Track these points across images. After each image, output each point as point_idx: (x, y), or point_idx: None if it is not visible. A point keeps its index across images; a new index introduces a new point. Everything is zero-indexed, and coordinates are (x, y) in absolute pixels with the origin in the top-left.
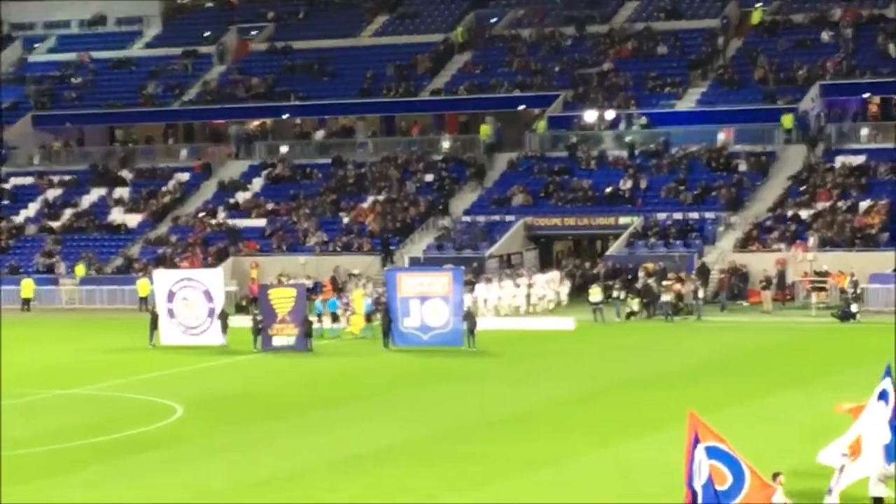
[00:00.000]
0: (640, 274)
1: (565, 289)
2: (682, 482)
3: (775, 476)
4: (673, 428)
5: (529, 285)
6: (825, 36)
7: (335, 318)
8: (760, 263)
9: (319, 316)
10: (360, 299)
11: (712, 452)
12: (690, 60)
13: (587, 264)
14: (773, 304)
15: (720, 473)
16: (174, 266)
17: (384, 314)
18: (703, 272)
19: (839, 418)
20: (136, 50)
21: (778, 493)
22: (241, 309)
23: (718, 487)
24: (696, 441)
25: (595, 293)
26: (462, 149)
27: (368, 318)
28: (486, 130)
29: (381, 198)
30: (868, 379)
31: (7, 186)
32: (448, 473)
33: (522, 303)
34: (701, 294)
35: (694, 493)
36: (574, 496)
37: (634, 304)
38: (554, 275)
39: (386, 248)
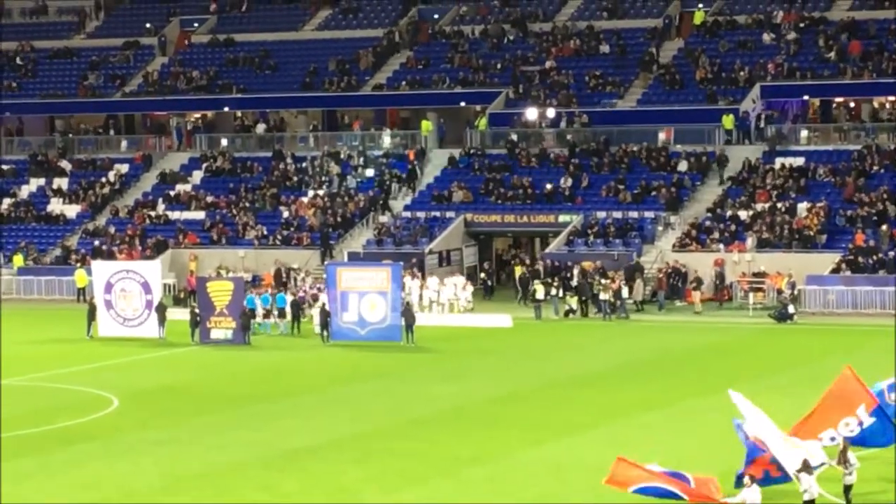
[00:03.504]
0: (576, 272)
1: (467, 293)
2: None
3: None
4: (605, 427)
5: (422, 286)
6: (767, 37)
7: (267, 314)
8: (699, 263)
9: (252, 310)
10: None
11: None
12: (632, 60)
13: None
14: (711, 304)
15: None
16: (112, 257)
17: (322, 308)
18: (634, 271)
19: (775, 418)
20: (78, 40)
21: (753, 489)
22: (179, 301)
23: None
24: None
25: (539, 290)
26: (403, 145)
27: (282, 313)
28: (427, 126)
29: (321, 192)
30: (804, 380)
31: None
32: (381, 470)
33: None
34: (625, 293)
35: None
36: (506, 494)
37: (573, 301)
38: (458, 279)
39: (325, 243)
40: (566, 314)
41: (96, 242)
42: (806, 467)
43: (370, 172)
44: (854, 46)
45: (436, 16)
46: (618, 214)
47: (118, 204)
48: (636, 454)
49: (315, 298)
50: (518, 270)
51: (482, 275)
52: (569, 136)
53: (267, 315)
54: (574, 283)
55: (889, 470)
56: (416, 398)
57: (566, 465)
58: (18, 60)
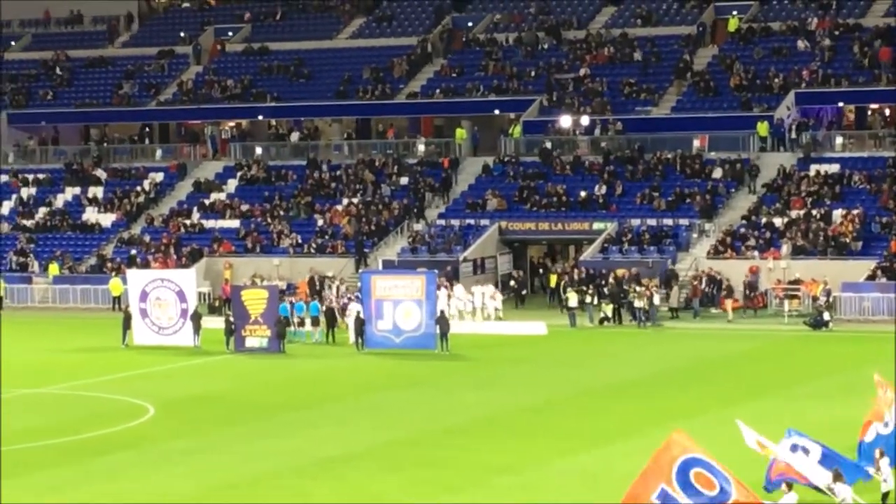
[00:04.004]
0: (610, 280)
1: (496, 302)
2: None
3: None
4: (639, 436)
5: (449, 295)
6: (801, 44)
7: (302, 322)
8: (734, 271)
9: (287, 318)
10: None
11: (696, 462)
12: (666, 67)
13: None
14: (746, 311)
15: (706, 479)
16: (147, 266)
17: (356, 316)
18: (671, 277)
19: (810, 426)
20: (112, 49)
21: (790, 496)
22: (213, 310)
23: (706, 492)
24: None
25: (572, 298)
26: (437, 153)
27: (315, 321)
28: (461, 134)
29: (355, 200)
30: (840, 387)
31: None
32: (415, 479)
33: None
34: (657, 301)
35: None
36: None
37: (608, 309)
38: (487, 288)
39: (360, 251)
40: (601, 322)
41: (132, 251)
42: (838, 476)
43: (404, 180)
44: (884, 53)
45: (470, 24)
46: (652, 222)
47: (153, 213)
48: None
49: (344, 309)
50: (554, 279)
51: (512, 283)
52: (603, 144)
53: (301, 323)
54: (607, 290)
55: None
56: (450, 406)
57: (600, 474)
58: (59, 70)
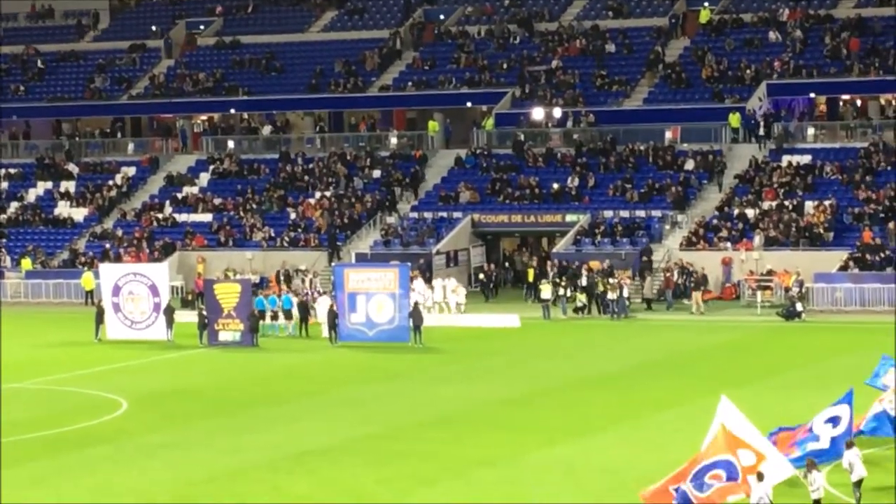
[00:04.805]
0: (584, 272)
1: (458, 296)
2: (625, 482)
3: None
4: (618, 428)
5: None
6: (773, 35)
7: (275, 315)
8: (707, 262)
9: (262, 312)
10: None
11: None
12: (638, 59)
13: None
14: (718, 302)
15: (715, 475)
16: (120, 260)
17: (329, 310)
18: (644, 268)
19: (786, 418)
20: (84, 43)
21: (760, 486)
22: (186, 304)
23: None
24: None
25: (545, 290)
26: (410, 146)
27: (288, 315)
28: (433, 127)
29: (328, 193)
30: (813, 378)
31: None
32: (392, 472)
33: None
34: (626, 293)
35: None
36: (518, 496)
37: (583, 298)
38: (450, 282)
39: (333, 244)
40: (577, 310)
41: (104, 245)
42: (811, 465)
43: (377, 173)
44: (854, 44)
45: (441, 16)
46: (625, 213)
47: (125, 207)
48: (649, 454)
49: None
50: (531, 273)
51: (481, 276)
52: (575, 136)
53: (275, 317)
54: (584, 282)
55: None
56: (427, 399)
57: (579, 466)
58: (33, 64)
